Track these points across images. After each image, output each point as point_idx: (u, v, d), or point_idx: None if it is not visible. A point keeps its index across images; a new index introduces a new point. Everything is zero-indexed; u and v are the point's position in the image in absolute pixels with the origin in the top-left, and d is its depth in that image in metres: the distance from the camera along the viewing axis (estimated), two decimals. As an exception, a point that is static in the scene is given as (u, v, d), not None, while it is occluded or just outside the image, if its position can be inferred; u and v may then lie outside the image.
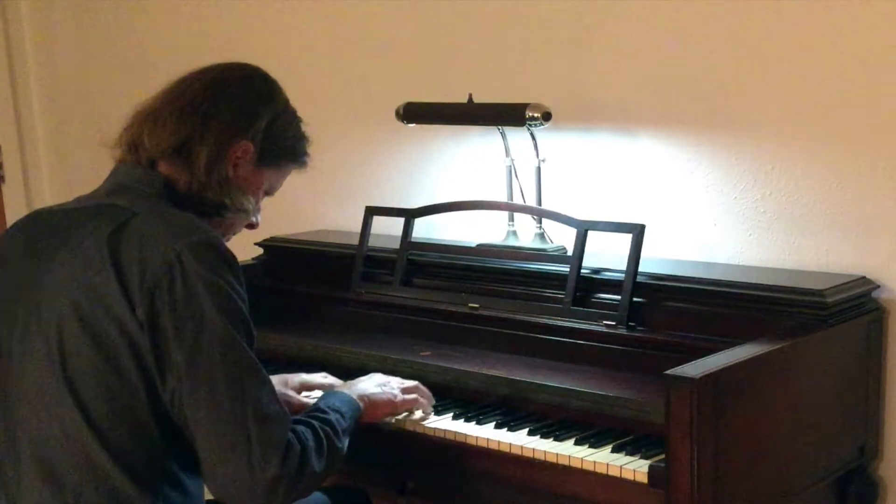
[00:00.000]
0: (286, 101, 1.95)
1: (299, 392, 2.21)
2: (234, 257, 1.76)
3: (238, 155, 1.86)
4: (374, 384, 2.08)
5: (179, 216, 1.77)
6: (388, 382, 2.11)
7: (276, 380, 2.06)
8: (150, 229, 1.72)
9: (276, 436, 1.68)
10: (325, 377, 2.26)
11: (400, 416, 2.13)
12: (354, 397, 1.97)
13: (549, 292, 2.37)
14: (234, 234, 1.96)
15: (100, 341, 1.70)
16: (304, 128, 1.97)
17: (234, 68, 1.92)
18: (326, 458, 1.78)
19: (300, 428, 1.76)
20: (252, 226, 1.97)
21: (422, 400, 2.14)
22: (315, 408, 1.89)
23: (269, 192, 1.97)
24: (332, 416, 1.85)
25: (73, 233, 1.77)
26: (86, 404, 1.70)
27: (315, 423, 1.81)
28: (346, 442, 1.86)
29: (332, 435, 1.81)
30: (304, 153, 1.99)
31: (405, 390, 2.12)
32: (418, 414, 2.14)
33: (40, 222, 1.87)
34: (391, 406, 2.08)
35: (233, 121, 1.86)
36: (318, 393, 2.18)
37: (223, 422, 1.66)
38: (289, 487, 1.69)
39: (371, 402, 2.01)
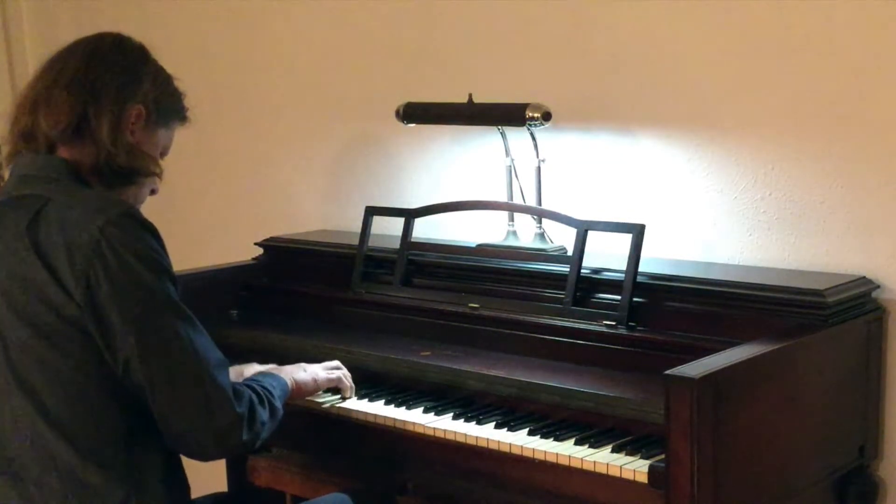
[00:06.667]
0: (156, 62, 1.99)
1: None
2: (152, 225, 1.83)
3: (132, 120, 1.91)
4: (298, 368, 2.22)
5: (92, 195, 1.83)
6: (311, 366, 2.25)
7: (232, 372, 2.13)
8: (68, 213, 1.78)
9: (224, 379, 1.84)
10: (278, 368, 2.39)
11: (331, 398, 2.27)
12: (283, 377, 2.10)
13: (549, 292, 2.37)
14: (140, 204, 1.97)
15: (40, 330, 1.75)
16: (177, 83, 2.02)
17: (102, 37, 1.96)
18: (269, 411, 1.92)
19: (240, 385, 1.90)
20: (153, 191, 2.01)
21: (345, 381, 2.27)
22: (248, 379, 2.04)
23: (162, 154, 2.01)
24: (266, 383, 2.01)
25: None
26: (37, 394, 1.76)
27: (253, 383, 1.98)
28: (280, 407, 1.99)
29: (268, 396, 1.96)
30: (186, 108, 2.04)
31: (327, 369, 2.27)
32: (344, 396, 2.28)
33: None
34: (314, 384, 2.22)
35: (121, 86, 1.89)
36: None
37: (181, 378, 1.77)
38: (242, 430, 1.81)
39: (297, 383, 2.16)
